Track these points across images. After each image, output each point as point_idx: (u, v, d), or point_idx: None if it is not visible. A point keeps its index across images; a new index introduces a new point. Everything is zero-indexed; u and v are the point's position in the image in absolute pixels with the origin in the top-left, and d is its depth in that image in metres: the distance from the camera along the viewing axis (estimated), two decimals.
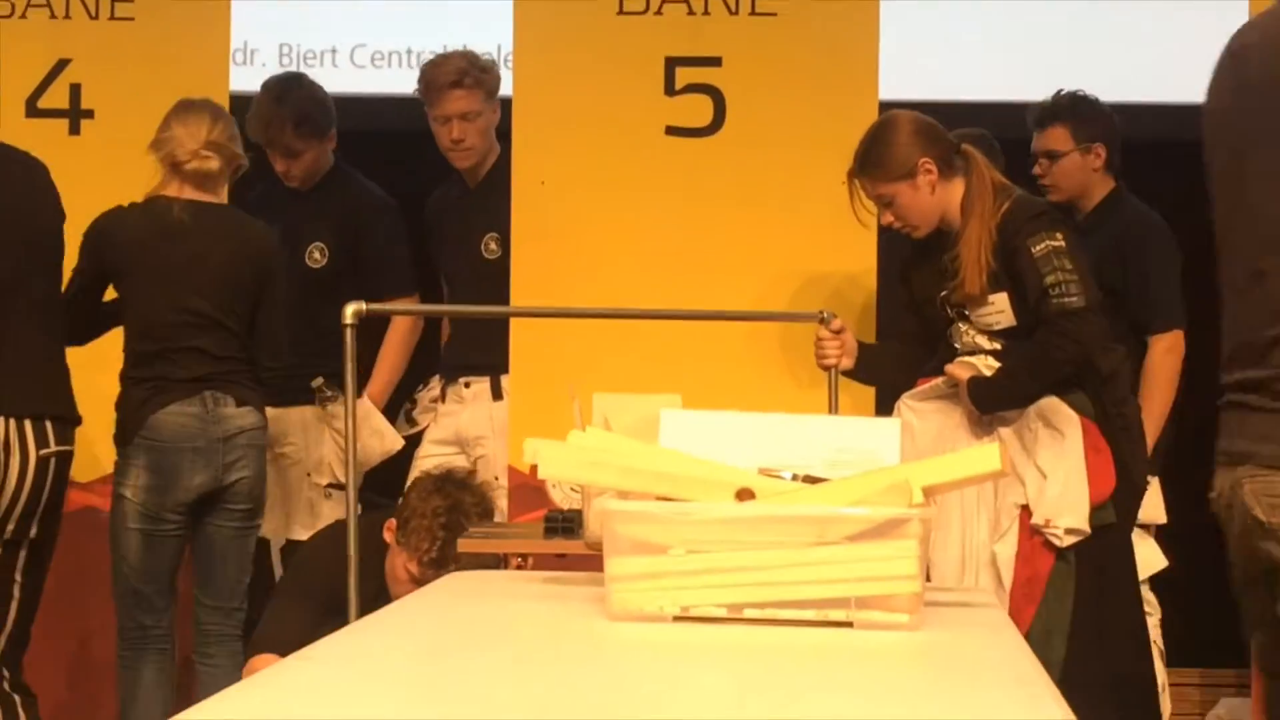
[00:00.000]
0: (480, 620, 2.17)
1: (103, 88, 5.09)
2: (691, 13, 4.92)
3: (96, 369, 4.57)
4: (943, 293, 4.18)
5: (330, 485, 5.17)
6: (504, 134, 5.07)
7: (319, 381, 5.12)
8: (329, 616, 3.88)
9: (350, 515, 4.05)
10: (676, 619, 2.05)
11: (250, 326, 4.66)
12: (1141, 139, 5.25)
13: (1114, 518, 4.07)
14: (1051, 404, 4.07)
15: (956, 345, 4.20)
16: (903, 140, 4.16)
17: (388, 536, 4.34)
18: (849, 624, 2.02)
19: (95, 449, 4.80)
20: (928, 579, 2.56)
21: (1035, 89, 5.25)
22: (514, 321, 4.93)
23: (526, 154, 4.93)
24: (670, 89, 4.92)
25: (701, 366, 4.69)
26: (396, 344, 5.26)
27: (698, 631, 2.01)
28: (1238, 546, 2.50)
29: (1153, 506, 4.80)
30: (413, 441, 5.25)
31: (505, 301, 4.90)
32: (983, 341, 4.16)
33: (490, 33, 5.75)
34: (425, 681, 1.73)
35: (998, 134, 5.03)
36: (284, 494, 5.15)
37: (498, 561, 4.15)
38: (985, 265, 4.07)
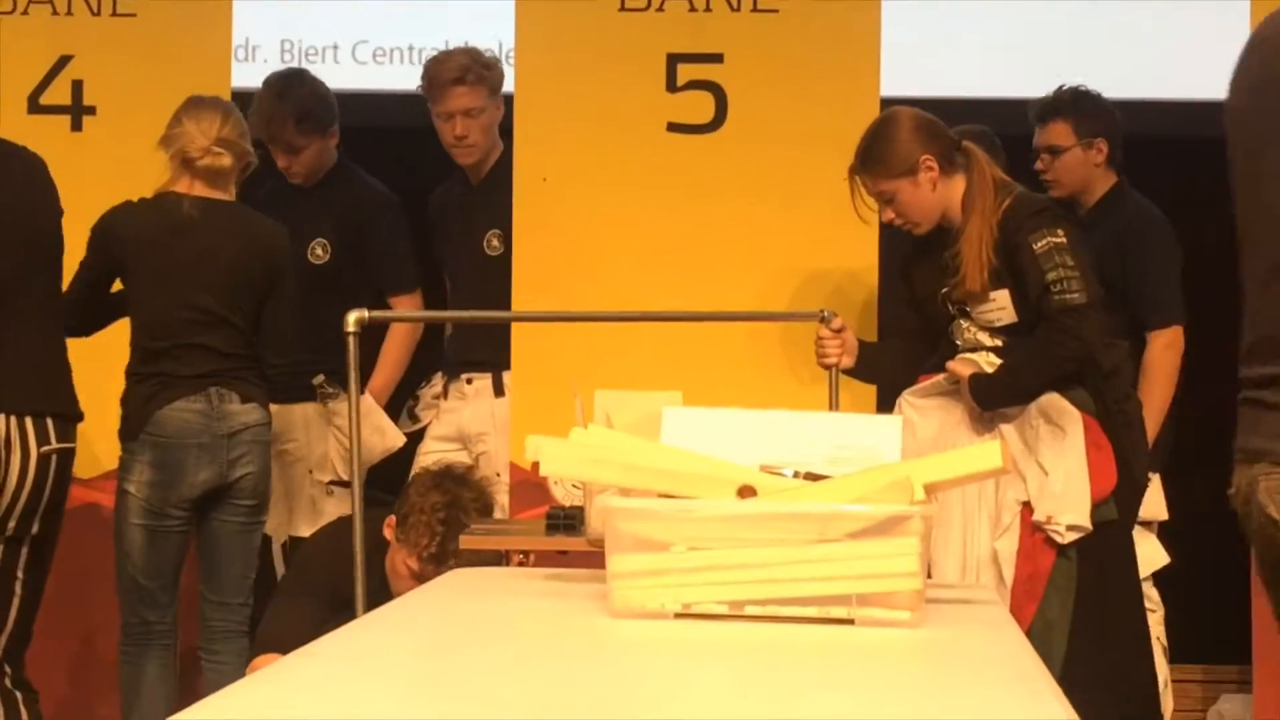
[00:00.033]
0: (482, 617, 2.17)
1: (105, 84, 5.09)
2: (693, 9, 4.92)
3: (98, 366, 4.57)
4: (944, 289, 4.18)
5: (332, 482, 5.17)
6: (506, 130, 5.07)
7: (320, 379, 5.12)
8: (332, 613, 3.89)
9: (356, 513, 4.06)
10: (678, 616, 2.04)
11: (256, 324, 4.66)
12: (1143, 135, 5.24)
13: (1115, 514, 4.07)
14: (1053, 400, 4.06)
15: (958, 342, 4.20)
16: (904, 137, 4.16)
17: (388, 533, 4.35)
18: (850, 621, 2.02)
19: (97, 446, 4.80)
20: (929, 576, 2.56)
21: (1036, 86, 5.23)
22: None
23: (528, 150, 4.93)
24: (672, 85, 4.92)
25: (703, 364, 4.69)
26: (398, 341, 5.26)
27: (699, 628, 2.01)
28: (1259, 542, 2.49)
29: (1154, 503, 4.79)
30: (415, 438, 5.25)
31: (507, 297, 4.91)
32: (984, 338, 4.16)
33: (492, 29, 5.74)
34: (427, 678, 1.73)
35: (999, 130, 5.02)
36: (286, 491, 5.15)
37: (499, 558, 4.15)
38: (986, 262, 4.07)
